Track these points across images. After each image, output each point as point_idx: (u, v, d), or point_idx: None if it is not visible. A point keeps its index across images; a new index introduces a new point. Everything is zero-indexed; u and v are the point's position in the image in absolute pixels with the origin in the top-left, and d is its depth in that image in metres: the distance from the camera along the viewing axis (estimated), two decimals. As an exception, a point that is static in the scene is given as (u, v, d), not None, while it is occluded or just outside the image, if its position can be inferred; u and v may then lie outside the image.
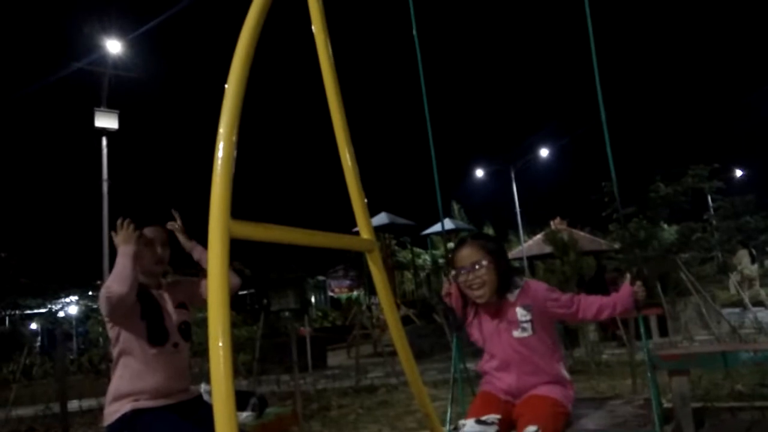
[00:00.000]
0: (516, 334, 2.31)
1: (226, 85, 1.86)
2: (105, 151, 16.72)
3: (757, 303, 10.07)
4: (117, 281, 2.28)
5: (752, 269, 11.14)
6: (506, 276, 2.35)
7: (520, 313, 2.31)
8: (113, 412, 2.37)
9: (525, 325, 2.30)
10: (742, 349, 4.30)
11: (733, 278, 10.29)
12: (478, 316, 2.43)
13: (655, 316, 10.08)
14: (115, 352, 2.45)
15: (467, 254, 2.36)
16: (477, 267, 2.31)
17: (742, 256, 11.34)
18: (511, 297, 2.34)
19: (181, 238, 2.67)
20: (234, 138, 1.79)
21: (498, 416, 2.18)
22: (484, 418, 2.17)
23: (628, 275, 2.47)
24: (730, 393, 5.03)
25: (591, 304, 2.35)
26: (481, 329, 2.41)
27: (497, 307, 2.37)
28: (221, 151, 1.74)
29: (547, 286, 2.41)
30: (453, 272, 2.38)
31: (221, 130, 1.77)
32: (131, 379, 2.39)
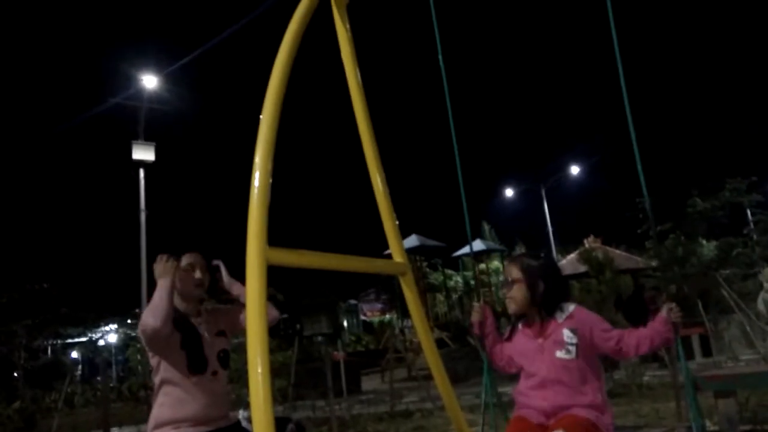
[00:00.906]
0: (559, 354, 2.29)
1: (260, 116, 1.92)
2: (142, 182, 17.17)
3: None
4: (152, 314, 2.34)
5: None
6: (545, 295, 2.35)
7: (567, 334, 2.30)
8: None
9: (570, 347, 2.29)
10: (790, 368, 4.15)
11: (762, 296, 10.03)
12: (516, 335, 2.43)
13: (698, 336, 9.77)
14: (156, 380, 2.50)
15: (507, 270, 2.47)
16: (510, 282, 2.40)
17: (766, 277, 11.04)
18: (559, 318, 2.34)
19: (224, 274, 2.74)
20: (269, 167, 1.84)
21: None
22: None
23: (664, 296, 2.44)
24: (780, 414, 4.84)
25: (631, 339, 2.32)
26: (520, 348, 2.40)
27: (541, 326, 2.37)
28: (257, 180, 1.79)
29: (598, 317, 2.41)
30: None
31: (257, 160, 1.83)
32: (172, 407, 2.43)
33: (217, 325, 2.66)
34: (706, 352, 9.69)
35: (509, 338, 2.47)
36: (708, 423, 4.19)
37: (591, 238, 18.63)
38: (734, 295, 8.94)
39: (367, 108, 2.64)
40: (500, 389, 2.84)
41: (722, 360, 8.60)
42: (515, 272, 2.39)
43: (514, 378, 2.52)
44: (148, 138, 17.52)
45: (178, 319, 2.47)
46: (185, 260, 2.59)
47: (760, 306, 8.80)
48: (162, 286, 2.42)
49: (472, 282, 23.97)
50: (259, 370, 1.57)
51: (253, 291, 1.66)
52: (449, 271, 25.22)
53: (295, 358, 8.84)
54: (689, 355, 4.24)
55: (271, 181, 1.83)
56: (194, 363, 2.48)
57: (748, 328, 8.90)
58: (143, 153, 17.05)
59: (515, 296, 2.37)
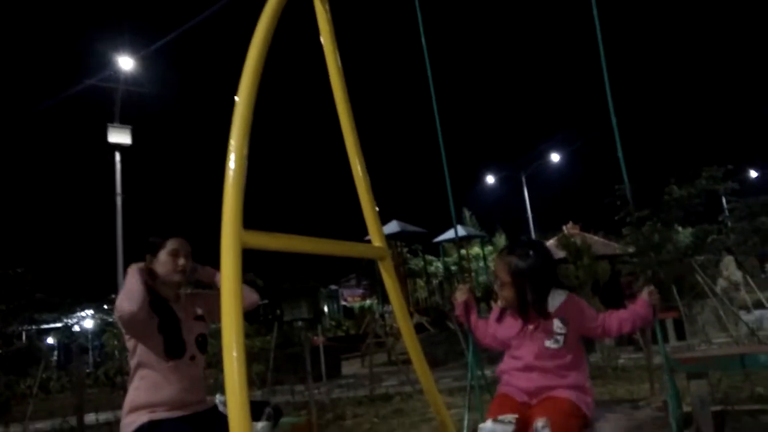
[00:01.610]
0: (548, 343, 2.32)
1: (236, 98, 1.88)
2: (119, 165, 16.91)
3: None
4: (127, 299, 2.31)
5: (738, 275, 11.10)
6: (535, 295, 2.33)
7: (557, 325, 2.33)
8: (130, 423, 2.38)
9: (559, 337, 2.32)
10: (761, 351, 4.24)
11: (720, 283, 10.31)
12: (507, 317, 2.44)
13: (672, 320, 9.97)
14: (132, 363, 2.47)
15: (497, 267, 2.43)
16: (500, 284, 2.40)
17: (729, 263, 11.31)
18: (550, 308, 2.35)
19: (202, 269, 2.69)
20: (245, 150, 1.81)
21: (515, 416, 2.19)
22: (501, 417, 2.19)
23: (642, 280, 2.49)
24: (750, 396, 4.96)
25: (612, 321, 2.40)
26: (508, 330, 2.42)
27: (532, 314, 2.38)
28: (232, 162, 1.76)
29: (585, 304, 2.44)
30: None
31: (232, 142, 1.80)
32: (147, 390, 2.40)
33: (195, 309, 2.64)
34: (680, 335, 9.90)
35: (499, 320, 2.48)
36: (681, 404, 4.28)
37: (570, 225, 18.83)
38: (708, 281, 9.11)
39: (347, 93, 2.62)
40: (484, 371, 2.86)
41: (695, 343, 8.79)
42: (504, 275, 2.37)
43: (495, 360, 2.54)
44: (124, 121, 17.23)
45: (156, 303, 2.44)
46: (170, 245, 2.54)
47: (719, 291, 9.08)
48: (133, 270, 2.39)
49: (453, 267, 24.12)
50: (234, 354, 1.55)
51: (228, 274, 1.64)
52: (430, 257, 25.33)
53: (274, 343, 8.82)
54: (664, 339, 4.32)
55: (246, 163, 1.80)
56: (171, 347, 2.45)
57: (721, 313, 9.09)
58: (119, 136, 16.78)
59: (506, 297, 2.40)
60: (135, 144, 17.38)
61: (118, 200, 16.65)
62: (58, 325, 20.32)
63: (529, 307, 2.34)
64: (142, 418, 2.36)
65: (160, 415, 2.37)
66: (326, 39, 2.58)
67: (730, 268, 11.03)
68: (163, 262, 2.50)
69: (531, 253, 2.37)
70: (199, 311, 2.65)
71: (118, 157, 16.93)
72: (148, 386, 2.41)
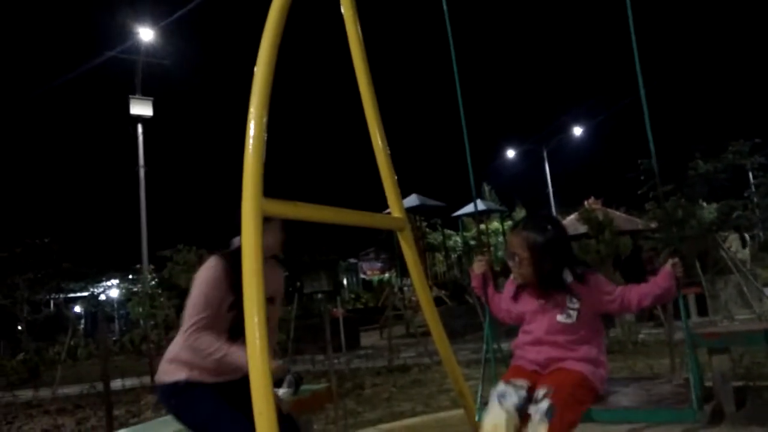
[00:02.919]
0: (560, 318, 2.30)
1: (255, 68, 1.87)
2: (141, 137, 17.06)
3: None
4: (215, 357, 2.31)
5: (744, 253, 10.89)
6: (552, 270, 2.31)
7: (569, 299, 2.30)
8: (169, 371, 2.39)
9: (571, 312, 2.29)
10: (785, 327, 4.19)
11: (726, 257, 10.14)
12: (522, 293, 2.43)
13: (694, 296, 9.86)
14: (190, 321, 2.37)
15: (512, 243, 2.38)
16: (516, 258, 2.34)
17: (732, 241, 11.10)
18: (566, 282, 2.32)
19: None
20: (264, 118, 1.80)
21: (527, 382, 2.21)
22: (513, 381, 2.22)
23: (664, 255, 2.45)
24: (772, 372, 4.91)
25: (632, 295, 2.34)
26: (523, 305, 2.41)
27: (549, 289, 2.36)
28: (252, 130, 1.76)
29: (603, 279, 2.39)
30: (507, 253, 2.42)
31: (252, 110, 1.79)
32: (195, 352, 2.36)
33: (267, 291, 2.61)
34: (702, 311, 9.80)
35: (514, 295, 2.46)
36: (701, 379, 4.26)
37: (591, 200, 18.59)
38: (733, 256, 8.97)
39: (367, 63, 2.58)
40: (501, 345, 2.88)
41: (718, 319, 8.70)
42: (521, 250, 2.32)
43: (512, 333, 2.54)
44: (145, 93, 17.31)
45: (236, 284, 2.37)
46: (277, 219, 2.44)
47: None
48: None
49: (472, 242, 24.05)
50: (256, 320, 1.57)
51: (249, 241, 1.65)
52: (449, 232, 25.28)
53: (294, 313, 8.93)
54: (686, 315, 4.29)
55: (266, 131, 1.79)
56: (236, 329, 2.35)
57: (744, 289, 8.97)
58: (141, 108, 16.89)
59: (523, 273, 2.34)
60: (156, 116, 17.50)
61: (141, 172, 16.85)
62: (85, 294, 20.80)
63: (547, 282, 2.31)
64: (181, 374, 2.37)
65: (199, 377, 2.37)
66: (347, 8, 2.54)
67: (734, 246, 10.85)
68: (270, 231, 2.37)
69: (549, 227, 2.35)
70: (270, 293, 2.61)
71: (140, 128, 17.08)
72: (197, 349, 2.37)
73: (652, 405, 3.22)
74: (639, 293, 2.33)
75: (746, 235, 11.81)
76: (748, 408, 4.06)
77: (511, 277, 2.49)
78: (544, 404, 2.07)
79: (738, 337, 4.35)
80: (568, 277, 2.33)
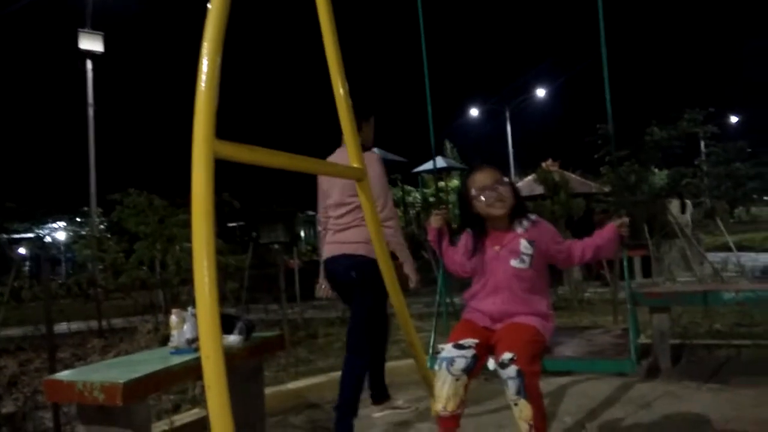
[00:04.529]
0: (513, 263, 2.34)
1: (208, 4, 1.76)
2: (90, 74, 16.26)
3: (743, 248, 10.25)
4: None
5: (684, 218, 11.31)
6: (521, 199, 2.43)
7: (524, 245, 2.35)
8: (370, 251, 2.85)
9: (525, 257, 2.34)
10: (724, 289, 4.38)
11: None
12: (477, 243, 2.44)
13: (640, 258, 10.25)
14: (390, 203, 3.28)
15: (489, 174, 2.42)
16: (499, 186, 2.37)
17: (673, 207, 11.51)
18: (520, 228, 2.39)
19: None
20: (219, 56, 1.70)
21: (475, 340, 2.25)
22: (461, 342, 2.24)
23: (613, 218, 2.49)
24: (708, 331, 5.17)
25: (577, 246, 2.43)
26: (479, 255, 2.43)
27: (501, 235, 2.40)
28: (205, 66, 1.66)
29: (554, 229, 2.47)
30: (473, 192, 2.41)
31: (205, 44, 1.69)
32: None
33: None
34: (647, 273, 10.21)
35: (468, 244, 2.48)
36: (642, 336, 4.45)
37: (549, 161, 18.88)
38: (678, 221, 9.30)
39: (332, 12, 2.47)
40: (453, 299, 2.91)
41: (661, 281, 9.08)
42: (500, 178, 2.40)
43: (465, 287, 2.56)
44: (96, 28, 16.41)
45: None
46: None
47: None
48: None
49: (431, 198, 24.22)
50: (205, 263, 1.52)
51: (199, 184, 1.57)
52: (408, 188, 25.36)
53: (249, 262, 8.86)
54: (630, 275, 4.45)
55: (219, 70, 1.70)
56: None
57: (688, 253, 9.35)
58: (91, 43, 16.03)
59: (507, 197, 2.37)
60: (108, 53, 16.67)
61: (90, 111, 16.13)
62: (30, 235, 20.13)
63: (521, 209, 2.40)
64: (373, 254, 2.65)
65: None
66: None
67: (674, 211, 11.22)
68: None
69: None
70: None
71: (89, 65, 16.26)
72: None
73: (594, 355, 3.35)
74: (583, 245, 2.42)
75: (687, 201, 12.20)
76: (683, 364, 4.28)
77: (466, 231, 2.50)
78: (512, 371, 2.06)
79: (678, 297, 4.55)
80: (526, 222, 2.40)
